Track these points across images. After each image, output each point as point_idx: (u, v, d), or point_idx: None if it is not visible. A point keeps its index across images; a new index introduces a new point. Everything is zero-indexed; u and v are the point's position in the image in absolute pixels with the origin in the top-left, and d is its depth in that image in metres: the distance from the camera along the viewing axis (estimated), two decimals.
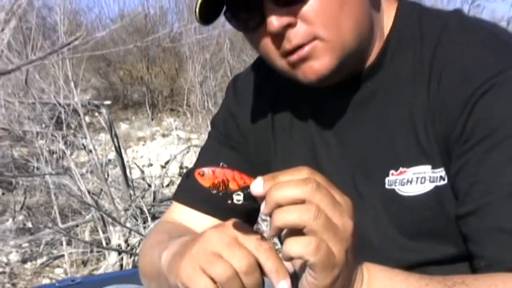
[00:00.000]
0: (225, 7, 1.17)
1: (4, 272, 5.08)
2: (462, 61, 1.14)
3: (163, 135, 9.52)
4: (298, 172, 0.90)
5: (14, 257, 5.38)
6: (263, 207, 0.90)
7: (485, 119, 1.09)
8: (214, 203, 1.32)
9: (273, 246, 0.92)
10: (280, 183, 0.89)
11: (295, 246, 0.87)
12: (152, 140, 9.30)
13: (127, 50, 9.44)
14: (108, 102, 7.72)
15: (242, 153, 1.41)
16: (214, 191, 0.95)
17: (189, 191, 1.40)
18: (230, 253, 0.91)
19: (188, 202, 1.41)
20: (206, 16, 1.15)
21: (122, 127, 9.84)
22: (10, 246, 5.44)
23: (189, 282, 0.96)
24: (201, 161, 1.44)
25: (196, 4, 1.11)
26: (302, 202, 0.87)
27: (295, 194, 0.87)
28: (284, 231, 0.90)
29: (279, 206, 0.88)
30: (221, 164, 0.96)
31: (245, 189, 0.93)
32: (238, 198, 0.94)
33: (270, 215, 0.89)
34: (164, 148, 8.40)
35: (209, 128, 1.52)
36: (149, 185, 6.09)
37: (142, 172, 6.79)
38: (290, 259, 0.90)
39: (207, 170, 0.94)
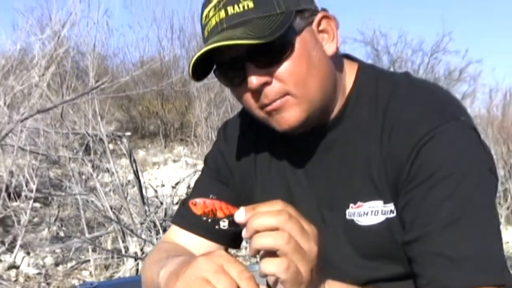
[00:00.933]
0: (215, 66, 1.18)
1: (40, 273, 5.04)
2: (408, 117, 1.15)
3: (174, 161, 9.49)
4: (273, 204, 0.91)
5: (49, 260, 5.34)
6: (245, 232, 0.91)
7: (426, 164, 1.10)
8: (204, 227, 1.32)
9: (253, 275, 0.91)
10: (259, 213, 0.90)
11: (269, 266, 0.89)
12: (165, 165, 9.27)
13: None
14: (128, 133, 7.68)
15: (229, 186, 1.40)
16: (205, 218, 0.96)
17: (185, 217, 1.40)
18: (217, 279, 0.89)
19: (184, 226, 1.40)
20: (198, 74, 1.16)
21: (140, 154, 9.80)
22: (45, 252, 5.41)
23: None
24: (195, 193, 1.43)
25: (190, 64, 1.12)
26: (276, 229, 0.88)
27: (271, 222, 0.88)
28: (261, 253, 0.91)
29: (257, 232, 0.89)
30: (210, 196, 0.98)
31: (230, 217, 0.95)
32: (224, 224, 0.96)
33: (250, 238, 0.90)
34: (175, 172, 8.39)
35: None
36: (162, 203, 6.04)
37: (156, 191, 6.76)
38: (265, 275, 0.91)
39: (199, 201, 0.96)
